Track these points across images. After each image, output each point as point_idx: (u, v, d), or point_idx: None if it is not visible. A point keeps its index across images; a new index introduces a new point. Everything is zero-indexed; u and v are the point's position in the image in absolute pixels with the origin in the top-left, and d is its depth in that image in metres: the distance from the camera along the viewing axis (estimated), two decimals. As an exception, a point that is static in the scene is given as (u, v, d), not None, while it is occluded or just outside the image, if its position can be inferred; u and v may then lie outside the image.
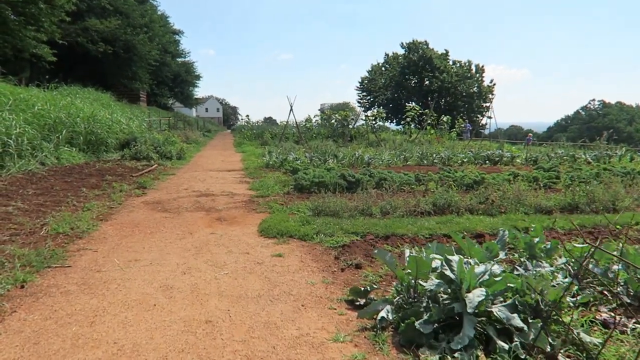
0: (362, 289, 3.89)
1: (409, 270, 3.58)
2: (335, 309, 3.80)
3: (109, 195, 8.79)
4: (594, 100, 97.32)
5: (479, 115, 51.71)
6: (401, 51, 54.94)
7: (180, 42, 54.64)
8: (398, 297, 3.61)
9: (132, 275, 4.49)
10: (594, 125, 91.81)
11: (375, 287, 3.89)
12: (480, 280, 3.21)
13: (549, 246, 4.21)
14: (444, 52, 53.40)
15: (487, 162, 16.72)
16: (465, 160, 16.62)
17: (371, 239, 5.89)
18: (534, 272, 3.86)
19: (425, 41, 52.98)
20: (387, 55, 57.94)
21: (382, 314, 3.41)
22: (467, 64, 53.17)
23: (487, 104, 52.71)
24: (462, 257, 3.39)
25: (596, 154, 18.24)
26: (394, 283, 4.04)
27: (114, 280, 4.36)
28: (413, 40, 52.93)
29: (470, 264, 3.33)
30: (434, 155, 16.80)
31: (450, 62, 52.97)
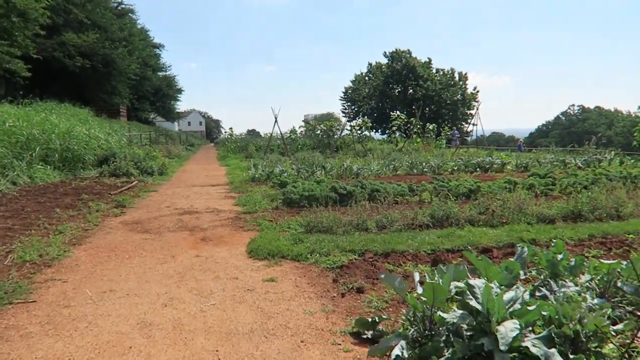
0: (370, 319, 3.43)
1: (424, 298, 3.13)
2: (340, 344, 3.34)
3: (85, 216, 8.21)
4: (573, 105, 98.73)
5: (463, 123, 51.85)
6: (384, 60, 55.09)
7: (161, 56, 54.07)
8: (412, 330, 3.16)
9: (105, 310, 3.97)
10: (574, 130, 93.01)
11: (385, 317, 3.44)
12: (511, 310, 2.77)
13: (573, 263, 3.80)
14: (427, 60, 53.62)
15: (478, 169, 16.45)
16: (455, 168, 16.32)
17: (370, 258, 5.43)
18: (562, 294, 3.44)
19: (408, 50, 53.24)
20: (370, 65, 58.01)
21: (396, 351, 2.94)
22: (450, 71, 53.43)
23: (471, 111, 52.99)
24: (487, 282, 2.96)
25: (586, 158, 18.13)
26: (404, 310, 3.59)
27: (85, 317, 3.83)
28: (396, 50, 53.10)
29: (498, 291, 2.90)
30: (424, 164, 16.47)
31: (434, 70, 53.16)
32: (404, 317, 3.47)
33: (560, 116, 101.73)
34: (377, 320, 3.42)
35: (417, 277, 3.56)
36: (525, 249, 3.88)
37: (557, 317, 2.87)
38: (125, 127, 27.87)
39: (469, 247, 5.92)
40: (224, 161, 23.86)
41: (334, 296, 4.28)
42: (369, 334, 3.41)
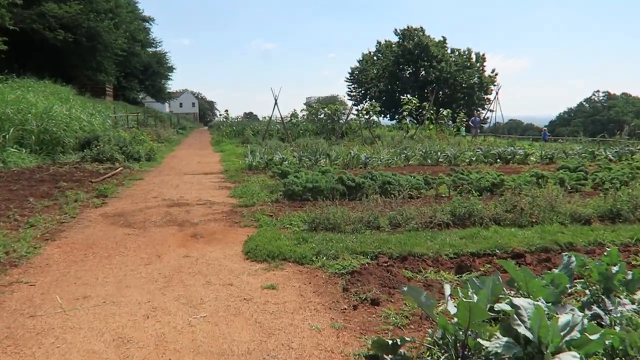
0: (390, 341, 3.11)
1: (456, 319, 2.81)
2: (354, 370, 3.02)
3: (61, 207, 7.89)
4: (598, 91, 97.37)
5: (479, 109, 51.32)
6: (395, 39, 54.40)
7: (151, 30, 53.53)
8: (442, 358, 2.84)
9: (77, 322, 3.66)
10: (599, 119, 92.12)
11: (408, 340, 3.11)
12: (568, 339, 2.45)
13: (630, 277, 3.47)
14: (442, 39, 52.92)
15: (499, 160, 16.08)
16: (474, 159, 15.96)
17: (385, 262, 5.11)
18: (618, 315, 3.11)
19: (421, 27, 52.42)
20: (379, 43, 57.26)
21: (424, 384, 2.62)
22: (466, 52, 52.71)
23: (489, 96, 52.43)
24: (535, 302, 2.63)
25: (617, 150, 17.73)
26: (429, 331, 3.28)
27: (52, 330, 3.52)
28: (408, 27, 52.27)
29: (552, 316, 2.57)
30: (439, 153, 16.11)
31: (449, 51, 52.45)
32: (429, 339, 3.15)
33: (584, 103, 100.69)
34: (399, 343, 3.09)
35: (447, 290, 3.23)
36: (573, 258, 3.54)
37: (622, 347, 2.55)
38: (111, 107, 27.51)
39: (497, 250, 5.60)
40: (219, 146, 23.52)
41: (345, 308, 3.96)
42: (388, 358, 3.09)
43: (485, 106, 51.87)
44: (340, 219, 6.65)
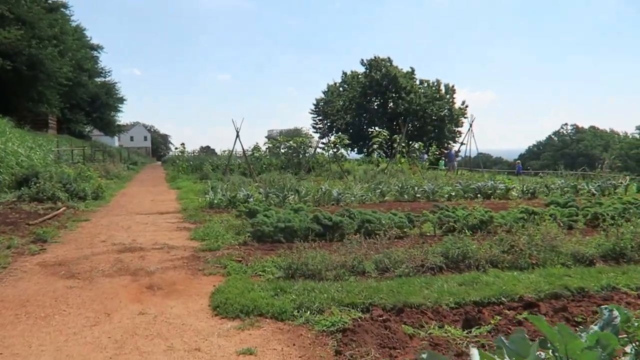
0: None
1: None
2: None
3: (-10, 255, 7.13)
4: (566, 124, 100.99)
5: (450, 142, 52.12)
6: (361, 69, 55.10)
7: (99, 59, 52.56)
8: None
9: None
10: (568, 152, 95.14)
11: None
12: None
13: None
14: (410, 70, 53.91)
15: (479, 195, 15.98)
16: (453, 193, 15.80)
17: (380, 316, 4.63)
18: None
19: (389, 58, 53.25)
20: (344, 74, 57.84)
21: None
22: (435, 83, 53.79)
23: (459, 128, 53.35)
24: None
25: (600, 184, 17.94)
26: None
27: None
28: (375, 57, 53.11)
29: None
30: (416, 188, 15.89)
31: (417, 82, 53.45)
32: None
33: (553, 136, 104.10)
34: None
35: (476, 356, 2.77)
36: (616, 312, 3.16)
37: None
38: (54, 140, 26.43)
39: (503, 298, 5.21)
40: (174, 183, 22.76)
41: (341, 378, 3.45)
42: None
43: (457, 139, 52.73)
44: (321, 264, 6.17)
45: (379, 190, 15.62)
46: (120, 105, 58.47)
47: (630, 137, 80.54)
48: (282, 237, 8.29)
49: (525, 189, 16.57)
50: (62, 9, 42.58)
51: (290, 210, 9.62)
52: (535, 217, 9.67)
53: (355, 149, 50.10)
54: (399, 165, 27.67)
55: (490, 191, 16.16)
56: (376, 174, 21.98)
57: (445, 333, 4.29)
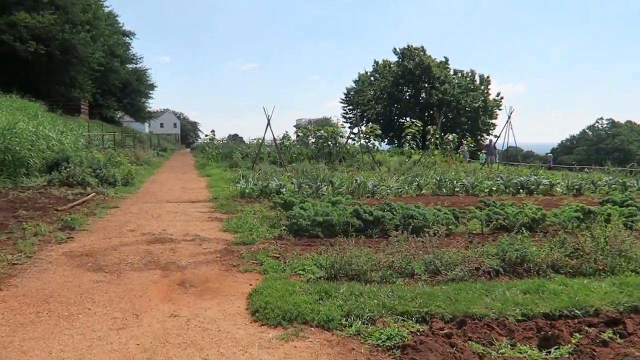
0: None
1: None
2: None
3: (16, 242, 6.79)
4: (602, 119, 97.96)
5: (484, 134, 50.89)
6: (393, 58, 54.07)
7: (131, 46, 52.74)
8: None
9: None
10: (603, 147, 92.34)
11: None
12: None
13: None
14: (444, 59, 52.67)
15: (521, 190, 15.20)
16: (494, 188, 15.07)
17: (441, 329, 4.08)
18: None
19: (422, 47, 52.12)
20: (376, 63, 56.90)
21: None
22: (469, 74, 52.51)
23: (494, 120, 52.06)
24: None
25: (650, 181, 16.94)
26: None
27: None
28: (408, 46, 51.95)
29: None
30: (454, 182, 15.20)
31: (451, 72, 52.24)
32: None
33: (587, 131, 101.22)
34: None
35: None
36: None
37: None
38: (85, 125, 26.38)
39: (577, 310, 4.61)
40: (204, 170, 22.48)
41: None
42: None
43: (491, 131, 51.50)
44: (366, 264, 5.64)
45: (416, 183, 14.98)
46: (150, 92, 58.78)
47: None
48: (320, 232, 7.79)
49: (570, 185, 15.72)
50: (94, -7, 42.72)
51: (327, 203, 9.09)
52: (591, 216, 8.96)
53: (386, 140, 49.32)
54: (432, 157, 26.92)
55: (534, 186, 15.36)
56: (412, 165, 21.31)
57: (520, 353, 3.73)
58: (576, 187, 15.67)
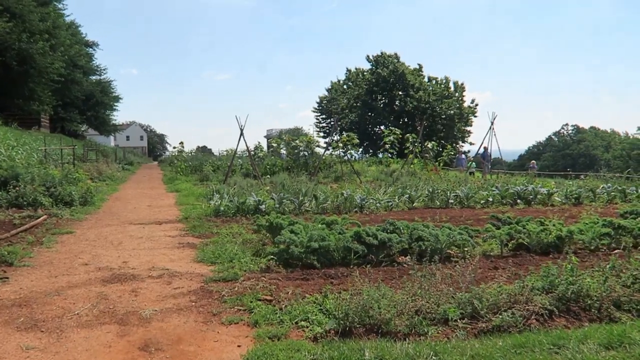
0: None
1: None
2: None
3: None
4: (567, 125, 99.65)
5: (459, 142, 50.26)
6: (367, 66, 53.16)
7: (95, 57, 50.63)
8: None
9: None
10: (569, 153, 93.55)
11: None
12: None
13: None
14: (418, 66, 51.97)
15: (519, 201, 14.13)
16: (490, 199, 13.97)
17: None
18: None
19: (396, 54, 51.26)
20: (349, 71, 55.91)
21: None
22: (444, 81, 51.88)
23: (469, 127, 51.54)
24: None
25: (651, 187, 16.09)
26: None
27: None
28: (381, 53, 51.09)
29: None
30: (448, 193, 14.04)
31: (426, 79, 51.55)
32: None
33: (553, 137, 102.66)
34: None
35: None
36: None
37: None
38: (41, 139, 24.39)
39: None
40: (173, 185, 20.88)
41: None
42: None
43: (466, 138, 50.96)
44: (388, 309, 4.34)
45: (407, 196, 13.76)
46: (115, 104, 56.79)
47: (632, 137, 78.92)
48: (316, 261, 6.45)
49: (569, 194, 14.73)
50: (54, 3, 40.67)
51: (320, 225, 7.74)
52: (621, 231, 7.84)
53: (361, 149, 48.21)
54: (412, 166, 25.89)
55: (531, 196, 14.32)
56: (399, 176, 20.15)
57: None
58: (575, 195, 14.70)
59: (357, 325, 4.25)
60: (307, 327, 4.30)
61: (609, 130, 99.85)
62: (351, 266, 6.48)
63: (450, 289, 4.92)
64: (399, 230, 7.43)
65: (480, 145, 24.30)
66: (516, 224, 8.10)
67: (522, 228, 7.64)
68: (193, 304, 5.04)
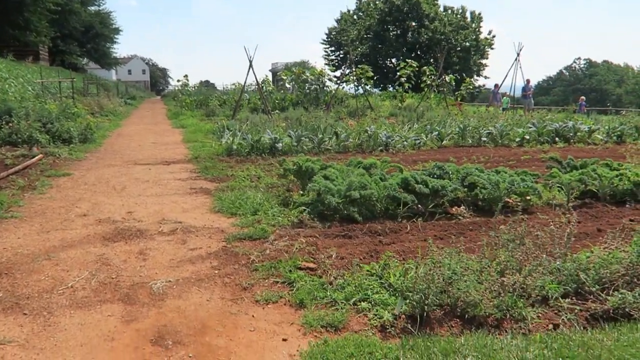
0: None
1: None
2: None
3: None
4: (579, 59, 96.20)
5: (475, 75, 48.23)
6: (378, -6, 50.32)
7: (92, -15, 48.19)
8: None
9: None
10: (580, 88, 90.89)
11: None
12: None
13: None
14: (432, -5, 49.18)
15: (557, 139, 12.94)
16: (527, 137, 12.78)
17: None
18: None
19: (410, -19, 48.42)
20: (359, 0, 53.16)
21: None
22: (460, 10, 49.20)
23: (485, 60, 49.37)
24: None
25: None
26: None
27: None
28: (394, -20, 48.37)
29: None
30: (481, 130, 12.85)
31: (441, 9, 48.88)
32: None
33: (564, 71, 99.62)
34: None
35: None
36: None
37: None
38: (37, 71, 22.99)
39: None
40: (178, 120, 19.71)
41: None
42: None
43: (482, 72, 48.96)
44: (477, 287, 3.31)
45: (436, 133, 12.58)
46: (116, 36, 54.77)
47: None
48: (357, 213, 5.40)
49: (611, 131, 13.51)
50: None
51: (356, 168, 6.63)
52: None
53: (372, 82, 46.41)
54: (428, 101, 24.56)
55: (571, 134, 13.11)
56: (425, 110, 18.88)
57: None
58: (617, 133, 13.49)
59: (434, 307, 3.25)
60: (370, 310, 3.29)
61: (622, 65, 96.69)
62: (398, 219, 5.46)
63: (544, 255, 3.88)
64: (448, 175, 6.34)
65: (479, 78, 22.84)
66: (581, 167, 7.00)
67: (592, 172, 6.52)
68: (216, 272, 4.03)
